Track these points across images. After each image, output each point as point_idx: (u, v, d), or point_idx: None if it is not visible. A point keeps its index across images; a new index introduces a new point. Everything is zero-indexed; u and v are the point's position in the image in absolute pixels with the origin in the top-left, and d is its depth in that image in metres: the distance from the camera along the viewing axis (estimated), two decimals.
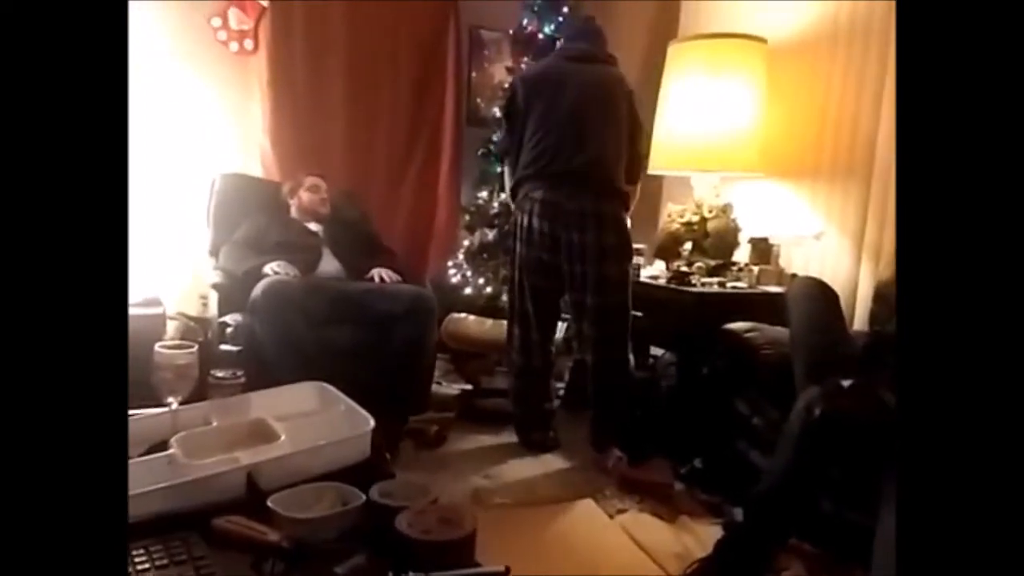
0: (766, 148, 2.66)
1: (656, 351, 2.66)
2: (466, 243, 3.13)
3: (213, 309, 2.33)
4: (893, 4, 2.28)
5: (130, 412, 1.54)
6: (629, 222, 2.35)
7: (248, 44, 2.95)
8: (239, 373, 1.83)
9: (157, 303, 2.36)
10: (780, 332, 1.84)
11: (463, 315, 2.78)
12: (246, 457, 1.38)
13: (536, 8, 2.97)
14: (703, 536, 1.72)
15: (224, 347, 2.05)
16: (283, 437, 1.49)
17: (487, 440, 2.46)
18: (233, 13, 2.91)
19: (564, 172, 2.24)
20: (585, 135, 2.25)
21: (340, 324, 2.27)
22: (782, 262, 2.59)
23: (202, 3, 2.84)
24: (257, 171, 2.98)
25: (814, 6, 2.61)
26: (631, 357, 2.32)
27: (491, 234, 3.05)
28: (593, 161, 2.24)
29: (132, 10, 2.62)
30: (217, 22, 2.89)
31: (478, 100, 3.51)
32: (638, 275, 2.62)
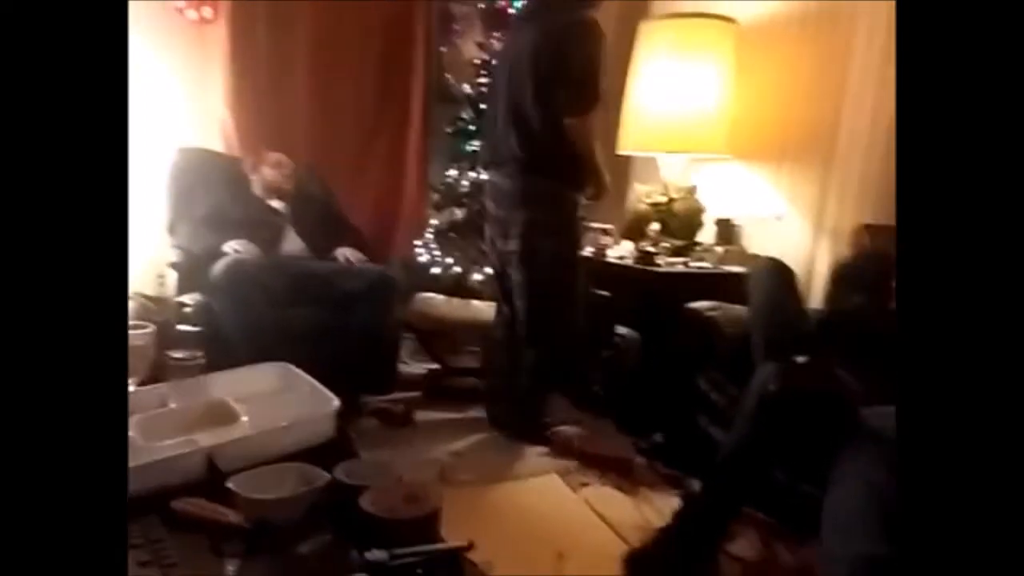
0: (733, 130, 2.68)
1: (622, 330, 2.69)
2: (434, 222, 3.10)
3: (171, 288, 2.27)
4: None
5: None
6: (582, 199, 2.27)
7: (207, 12, 2.85)
8: (198, 354, 1.81)
9: None
10: (742, 311, 1.88)
11: (430, 295, 2.77)
12: (206, 439, 1.37)
13: None
14: (663, 508, 1.76)
15: (182, 327, 2.01)
16: (244, 419, 1.48)
17: (453, 418, 2.47)
18: None
19: (498, 149, 2.26)
20: (511, 107, 2.19)
21: (303, 304, 2.24)
22: (745, 243, 2.64)
23: None
24: (217, 145, 2.90)
25: None
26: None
27: (460, 213, 3.03)
28: (519, 136, 2.18)
29: None
30: None
31: (448, 76, 3.45)
32: (604, 255, 2.64)
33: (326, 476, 1.29)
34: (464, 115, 3.07)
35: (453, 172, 3.10)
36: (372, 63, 3.24)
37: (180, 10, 2.80)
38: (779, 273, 1.75)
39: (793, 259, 2.40)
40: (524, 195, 2.20)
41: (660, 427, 2.14)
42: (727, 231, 2.63)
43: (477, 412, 2.49)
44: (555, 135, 2.11)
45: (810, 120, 2.52)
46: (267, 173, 2.62)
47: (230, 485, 1.20)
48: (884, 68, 2.24)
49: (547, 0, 2.26)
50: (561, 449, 2.18)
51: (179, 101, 2.88)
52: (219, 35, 2.88)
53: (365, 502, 1.20)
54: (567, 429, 2.24)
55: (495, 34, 2.97)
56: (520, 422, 2.30)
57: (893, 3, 2.17)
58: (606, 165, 2.25)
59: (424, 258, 3.04)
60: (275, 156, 2.64)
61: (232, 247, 2.26)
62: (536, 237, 2.19)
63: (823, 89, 2.46)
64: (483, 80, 2.95)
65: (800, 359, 1.40)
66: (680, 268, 2.46)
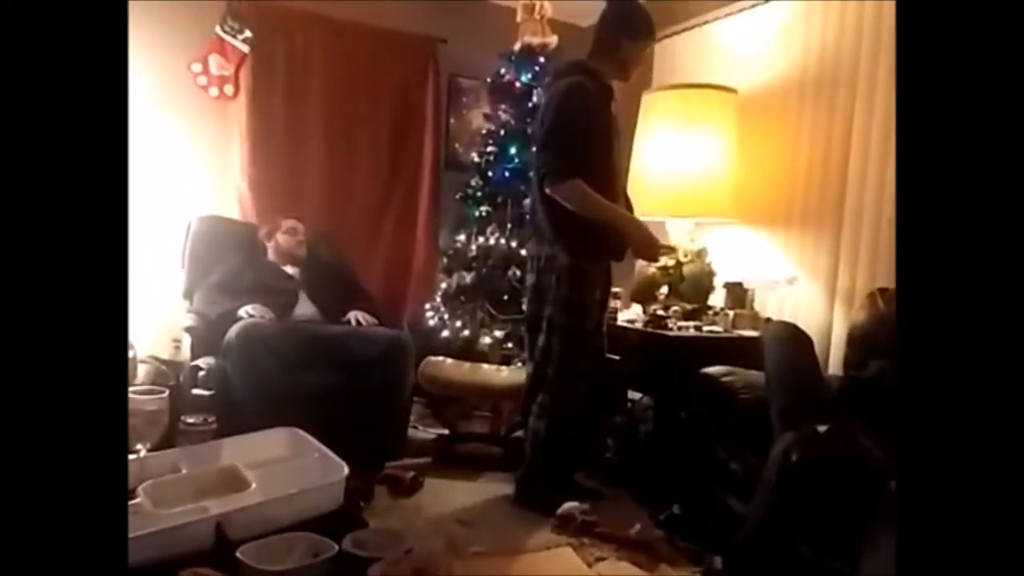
0: (739, 194, 2.73)
1: (634, 395, 2.66)
2: (444, 286, 3.13)
3: (186, 352, 2.28)
4: (859, 56, 2.39)
5: None
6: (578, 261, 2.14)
7: (228, 89, 2.98)
8: (210, 419, 1.80)
9: (128, 346, 2.30)
10: (756, 376, 1.86)
11: (440, 358, 2.76)
12: (215, 506, 1.34)
13: (513, 58, 3.06)
14: None
15: (196, 391, 2.01)
16: (254, 485, 1.46)
17: (464, 486, 2.41)
18: (214, 59, 2.95)
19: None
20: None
21: (315, 368, 2.24)
22: (757, 306, 2.64)
23: (183, 49, 2.87)
24: (234, 213, 2.97)
25: (782, 58, 2.72)
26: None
27: (469, 277, 3.06)
28: (532, 201, 2.24)
29: None
30: (197, 67, 2.92)
31: (456, 145, 3.57)
32: (615, 318, 2.64)
33: (334, 547, 1.26)
34: (472, 182, 3.15)
35: (462, 237, 3.15)
36: (384, 133, 3.36)
37: (204, 88, 2.94)
38: (795, 338, 1.74)
39: (808, 323, 2.41)
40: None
41: (678, 498, 2.07)
42: (738, 294, 2.63)
43: (487, 479, 2.43)
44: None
45: (816, 185, 2.56)
46: (281, 239, 2.68)
47: (239, 555, 1.17)
48: (886, 132, 2.29)
49: (554, 71, 2.33)
50: (567, 527, 2.06)
51: (199, 171, 2.99)
52: (239, 111, 3.01)
53: (374, 573, 1.17)
54: (571, 505, 2.09)
55: (502, 106, 3.08)
56: (540, 494, 2.20)
57: (893, 68, 2.25)
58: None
59: (434, 321, 3.05)
60: (289, 223, 2.71)
61: (247, 311, 2.28)
62: (538, 303, 2.20)
63: (827, 154, 2.52)
64: (490, 149, 3.05)
65: (821, 427, 1.37)
66: (692, 332, 2.45)
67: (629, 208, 2.37)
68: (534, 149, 2.23)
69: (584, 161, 2.05)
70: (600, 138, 2.14)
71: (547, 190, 2.08)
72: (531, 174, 2.26)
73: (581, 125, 2.07)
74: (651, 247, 2.20)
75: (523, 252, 2.69)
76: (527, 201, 2.71)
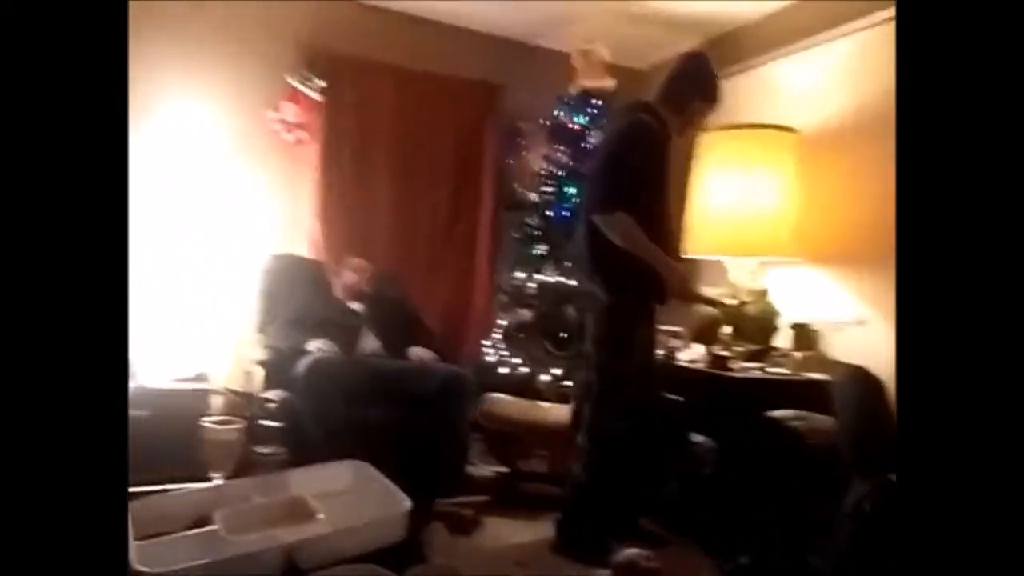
0: (802, 233, 2.68)
1: (697, 438, 2.59)
2: (502, 323, 3.16)
3: (257, 385, 2.38)
4: None
5: (177, 486, 1.56)
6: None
7: (302, 135, 3.15)
8: (280, 450, 1.86)
9: (203, 378, 2.42)
10: (826, 421, 1.80)
11: (499, 395, 2.78)
12: (285, 535, 1.38)
13: (569, 101, 3.13)
14: None
15: (265, 422, 2.09)
16: (321, 516, 1.50)
17: (523, 526, 2.39)
18: (288, 107, 3.13)
19: None
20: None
21: (378, 402, 2.30)
22: (824, 348, 2.55)
23: (261, 97, 3.07)
24: (305, 252, 3.11)
25: (842, 97, 2.69)
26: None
27: (527, 314, 3.09)
28: (578, 236, 2.23)
29: (194, 106, 2.87)
30: (273, 114, 3.11)
31: (516, 185, 3.64)
32: (674, 358, 2.60)
33: None
34: (530, 221, 3.20)
35: (520, 275, 3.20)
36: (446, 175, 3.47)
37: (278, 132, 3.12)
38: (867, 383, 1.68)
39: (878, 367, 2.31)
40: (577, 296, 2.23)
41: (746, 548, 1.99)
42: (805, 336, 2.56)
43: (546, 520, 2.40)
44: (590, 233, 2.10)
45: (881, 223, 2.49)
46: (348, 276, 2.78)
47: None
48: None
49: (621, 107, 2.35)
50: (628, 574, 1.97)
51: (274, 212, 3.15)
52: (310, 154, 3.17)
53: None
54: (633, 552, 1.95)
55: (559, 147, 3.15)
56: (581, 539, 2.12)
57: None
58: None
59: (492, 358, 3.08)
60: (355, 261, 2.81)
61: (316, 346, 2.37)
62: (588, 341, 2.17)
63: (887, 192, 2.44)
64: (548, 189, 3.10)
65: (895, 476, 1.32)
66: (756, 373, 2.39)
67: (676, 251, 2.33)
68: (587, 179, 2.22)
69: (635, 197, 2.04)
70: (654, 177, 2.12)
71: (593, 216, 2.07)
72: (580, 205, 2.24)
73: (637, 161, 2.07)
74: (684, 293, 2.18)
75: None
76: None
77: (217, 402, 2.33)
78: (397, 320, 2.77)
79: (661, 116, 2.18)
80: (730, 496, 2.18)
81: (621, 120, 2.19)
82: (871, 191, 2.56)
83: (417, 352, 2.61)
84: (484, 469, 2.82)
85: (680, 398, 2.40)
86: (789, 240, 2.66)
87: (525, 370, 2.98)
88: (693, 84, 2.22)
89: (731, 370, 2.39)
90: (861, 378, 1.71)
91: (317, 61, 3.13)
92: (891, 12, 2.45)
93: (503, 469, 2.77)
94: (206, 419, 1.63)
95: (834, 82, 2.73)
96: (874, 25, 2.55)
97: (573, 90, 3.12)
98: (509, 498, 2.60)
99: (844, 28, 2.68)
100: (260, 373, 2.43)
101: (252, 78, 3.07)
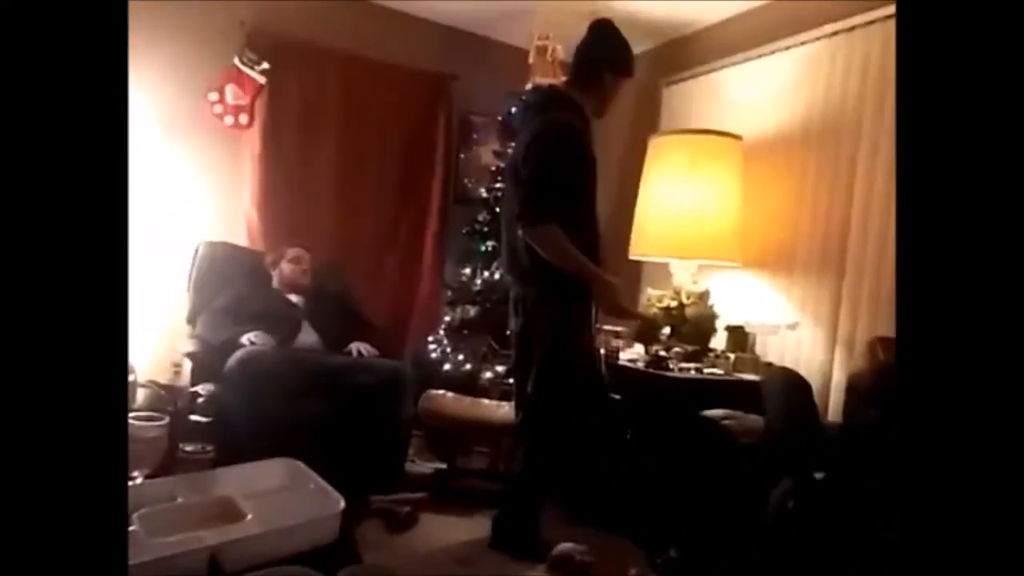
0: (742, 239, 2.76)
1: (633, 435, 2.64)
2: (447, 319, 3.14)
3: (186, 378, 2.28)
4: (864, 106, 2.44)
5: None
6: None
7: (243, 118, 3.04)
8: (208, 447, 1.79)
9: (129, 370, 2.30)
10: (756, 420, 1.85)
11: (441, 392, 2.75)
12: (210, 537, 1.33)
13: (523, 97, 3.12)
14: None
15: (193, 417, 2.00)
16: (250, 516, 1.45)
17: (461, 523, 2.38)
18: (231, 89, 3.01)
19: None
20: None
21: (314, 397, 2.24)
22: (758, 350, 2.64)
23: (201, 78, 2.94)
24: (242, 241, 3.00)
25: (788, 107, 2.78)
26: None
27: (473, 311, 3.07)
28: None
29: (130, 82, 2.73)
30: (214, 96, 2.98)
31: (465, 180, 3.62)
32: (617, 357, 2.64)
33: None
34: (480, 217, 3.19)
35: (467, 271, 3.18)
36: (394, 166, 3.41)
37: (219, 116, 3.00)
38: (795, 385, 1.74)
39: (808, 369, 2.41)
40: (518, 303, 2.16)
41: (675, 541, 2.05)
42: (739, 338, 2.64)
43: (484, 517, 2.40)
44: (523, 244, 2.01)
45: (819, 232, 2.59)
46: (286, 267, 2.70)
47: None
48: (889, 181, 2.32)
49: (535, 102, 2.19)
50: (563, 568, 1.99)
51: (209, 197, 3.02)
52: (252, 140, 3.06)
53: None
54: (568, 546, 2.03)
55: (511, 143, 3.13)
56: (518, 536, 2.13)
57: (894, 116, 2.29)
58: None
59: (436, 354, 3.05)
60: (295, 251, 2.73)
61: (249, 338, 2.28)
62: (527, 349, 2.13)
63: (831, 202, 2.55)
64: (499, 185, 3.09)
65: (819, 475, 1.37)
66: (693, 374, 2.45)
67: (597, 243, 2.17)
68: (510, 183, 2.08)
69: (565, 207, 1.95)
70: (584, 183, 2.05)
71: (519, 232, 1.99)
72: (502, 209, 2.14)
73: (568, 170, 1.96)
74: (616, 310, 2.13)
75: None
76: None
77: (141, 396, 2.22)
78: (338, 314, 2.70)
79: (576, 103, 2.09)
80: (662, 492, 2.24)
81: (544, 120, 2.04)
82: (810, 200, 2.65)
83: (358, 346, 2.56)
84: (423, 466, 2.79)
85: (619, 397, 2.43)
86: (729, 244, 2.73)
87: (468, 367, 2.97)
88: (603, 55, 2.12)
89: (669, 370, 2.44)
90: (790, 380, 1.78)
91: (262, 42, 3.02)
92: (838, 25, 2.54)
93: (441, 466, 2.75)
94: (129, 415, 1.54)
95: (780, 92, 2.81)
96: (819, 39, 2.63)
97: (528, 86, 3.12)
98: (447, 495, 2.58)
99: (789, 40, 2.76)
100: (189, 366, 2.33)
101: (192, 56, 2.94)
